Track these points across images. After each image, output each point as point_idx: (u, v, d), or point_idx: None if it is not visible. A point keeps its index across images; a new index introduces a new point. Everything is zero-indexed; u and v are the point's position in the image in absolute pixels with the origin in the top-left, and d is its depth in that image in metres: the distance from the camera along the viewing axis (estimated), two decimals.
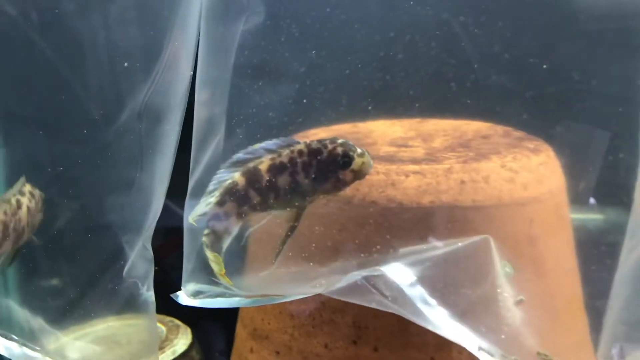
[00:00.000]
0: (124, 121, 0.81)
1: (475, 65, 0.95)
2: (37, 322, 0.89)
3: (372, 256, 0.78)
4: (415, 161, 0.93)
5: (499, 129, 1.08)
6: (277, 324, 0.98)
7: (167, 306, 0.96)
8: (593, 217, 1.00)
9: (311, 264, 0.81)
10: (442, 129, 1.11)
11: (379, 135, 1.09)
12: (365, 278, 0.70)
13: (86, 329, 1.00)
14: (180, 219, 0.91)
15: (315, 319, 0.94)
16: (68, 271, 0.90)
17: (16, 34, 0.86)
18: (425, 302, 0.68)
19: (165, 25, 0.76)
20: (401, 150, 1.01)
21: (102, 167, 0.85)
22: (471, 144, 1.02)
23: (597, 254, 0.94)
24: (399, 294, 0.68)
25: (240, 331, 1.07)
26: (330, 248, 0.83)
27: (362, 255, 0.79)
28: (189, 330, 1.32)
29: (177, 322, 1.35)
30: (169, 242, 1.52)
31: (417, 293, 0.69)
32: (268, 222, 0.82)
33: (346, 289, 0.70)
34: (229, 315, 1.14)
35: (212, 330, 1.49)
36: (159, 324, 1.32)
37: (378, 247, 0.79)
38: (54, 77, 0.84)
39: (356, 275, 0.71)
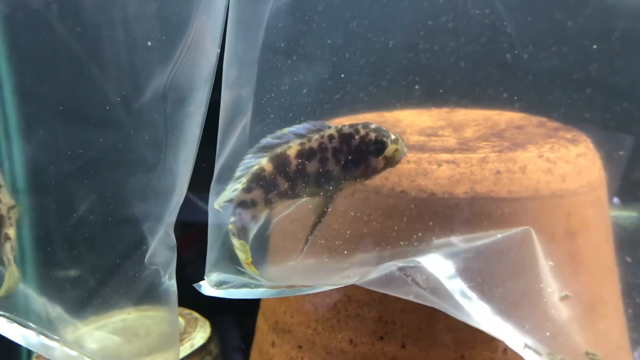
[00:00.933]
0: (147, 102, 0.78)
1: (511, 54, 0.90)
2: (55, 310, 0.87)
3: (403, 247, 0.74)
4: (447, 150, 0.90)
5: (533, 119, 1.04)
6: (300, 317, 0.94)
7: (184, 299, 0.94)
8: (627, 214, 0.96)
9: (340, 254, 0.78)
10: (473, 119, 1.07)
11: (407, 125, 1.06)
12: (401, 269, 0.66)
13: (105, 320, 0.97)
14: (200, 212, 0.88)
15: (340, 313, 0.90)
16: (88, 258, 0.87)
17: (34, 16, 0.83)
18: (465, 296, 0.64)
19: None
20: (432, 139, 0.97)
21: (124, 150, 0.82)
22: (505, 134, 0.98)
23: (633, 251, 0.90)
24: (437, 286, 0.64)
25: (261, 324, 1.04)
26: (360, 238, 0.79)
27: (392, 246, 0.76)
28: (207, 324, 1.30)
29: (196, 314, 1.32)
30: (187, 236, 1.50)
31: (457, 286, 0.65)
32: (295, 209, 0.78)
33: (381, 280, 0.67)
34: (248, 308, 1.11)
35: (230, 322, 1.46)
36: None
37: (409, 238, 0.76)
38: (73, 58, 0.81)
39: (391, 266, 0.67)
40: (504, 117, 1.07)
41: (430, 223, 0.78)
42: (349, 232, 0.79)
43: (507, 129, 1.01)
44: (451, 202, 0.82)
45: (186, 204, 0.85)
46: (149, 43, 0.76)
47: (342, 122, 0.97)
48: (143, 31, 0.77)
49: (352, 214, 0.80)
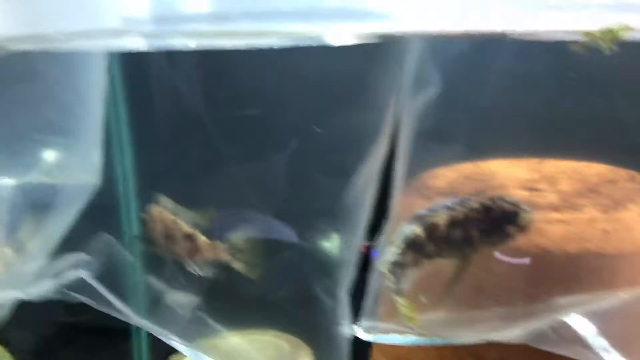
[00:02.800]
0: None
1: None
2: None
3: (537, 305, 0.86)
4: (555, 208, 1.00)
5: (622, 172, 1.11)
6: (421, 353, 1.05)
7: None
8: None
9: (477, 308, 0.90)
10: (563, 171, 1.14)
11: (504, 178, 1.14)
12: (551, 327, 0.78)
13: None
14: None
15: (460, 353, 1.01)
16: None
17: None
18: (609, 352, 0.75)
19: None
20: (533, 195, 1.07)
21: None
22: (600, 189, 1.07)
23: None
24: (585, 343, 0.75)
25: (379, 357, 1.15)
26: (495, 294, 0.91)
27: (527, 302, 0.87)
28: (308, 351, 1.38)
29: (299, 340, 1.40)
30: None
31: (600, 344, 0.76)
32: (436, 268, 0.91)
33: (531, 336, 0.79)
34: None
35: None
36: (281, 341, 1.38)
37: (542, 295, 0.87)
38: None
39: (540, 324, 0.79)
40: (592, 169, 1.14)
41: (555, 280, 0.89)
42: (484, 287, 0.91)
43: (599, 183, 1.10)
44: (564, 260, 0.93)
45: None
46: None
47: (445, 173, 1.08)
48: None
49: (485, 271, 0.92)
